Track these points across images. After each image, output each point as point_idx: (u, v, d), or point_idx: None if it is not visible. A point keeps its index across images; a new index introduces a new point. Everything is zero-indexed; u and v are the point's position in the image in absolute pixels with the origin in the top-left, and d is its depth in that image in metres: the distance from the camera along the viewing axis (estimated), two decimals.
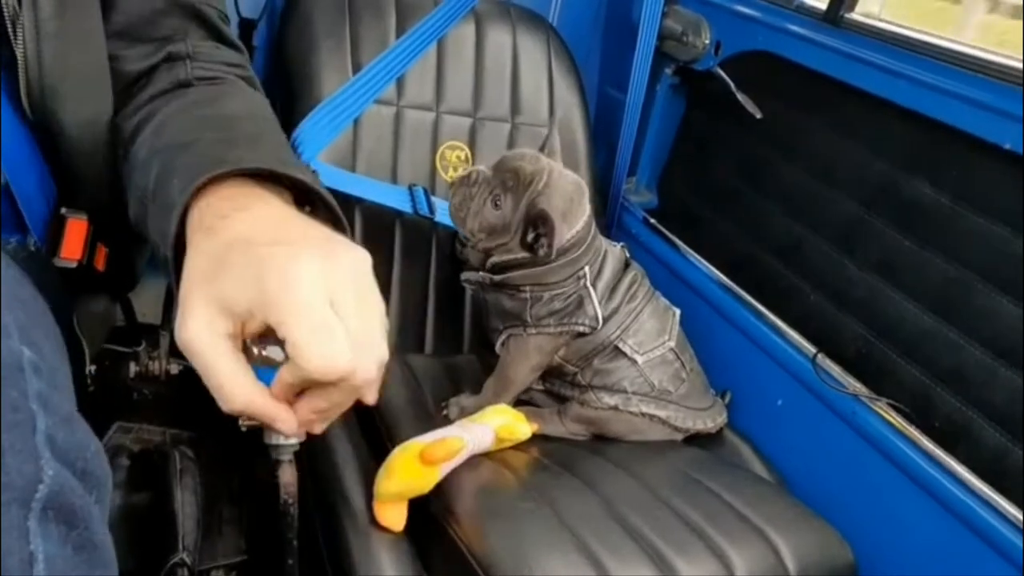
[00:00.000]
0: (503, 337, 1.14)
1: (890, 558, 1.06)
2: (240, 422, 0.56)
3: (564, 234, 1.04)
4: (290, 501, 0.63)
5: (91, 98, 0.71)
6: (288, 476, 0.61)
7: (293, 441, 0.58)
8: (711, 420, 1.20)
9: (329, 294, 0.48)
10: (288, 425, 0.49)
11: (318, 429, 0.52)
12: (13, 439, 0.35)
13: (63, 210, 0.70)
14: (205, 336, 0.49)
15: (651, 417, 1.14)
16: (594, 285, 1.10)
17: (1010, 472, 0.97)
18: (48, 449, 0.36)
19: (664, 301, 1.21)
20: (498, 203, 1.05)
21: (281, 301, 0.47)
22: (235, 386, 0.49)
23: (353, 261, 0.52)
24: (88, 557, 0.37)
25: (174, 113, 0.69)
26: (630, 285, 1.15)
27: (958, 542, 0.99)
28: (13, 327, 0.39)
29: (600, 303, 1.10)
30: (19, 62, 0.65)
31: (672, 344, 1.16)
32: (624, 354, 1.12)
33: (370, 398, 0.53)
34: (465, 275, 1.16)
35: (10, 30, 0.64)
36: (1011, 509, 0.94)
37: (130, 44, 0.73)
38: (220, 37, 0.78)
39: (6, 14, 0.64)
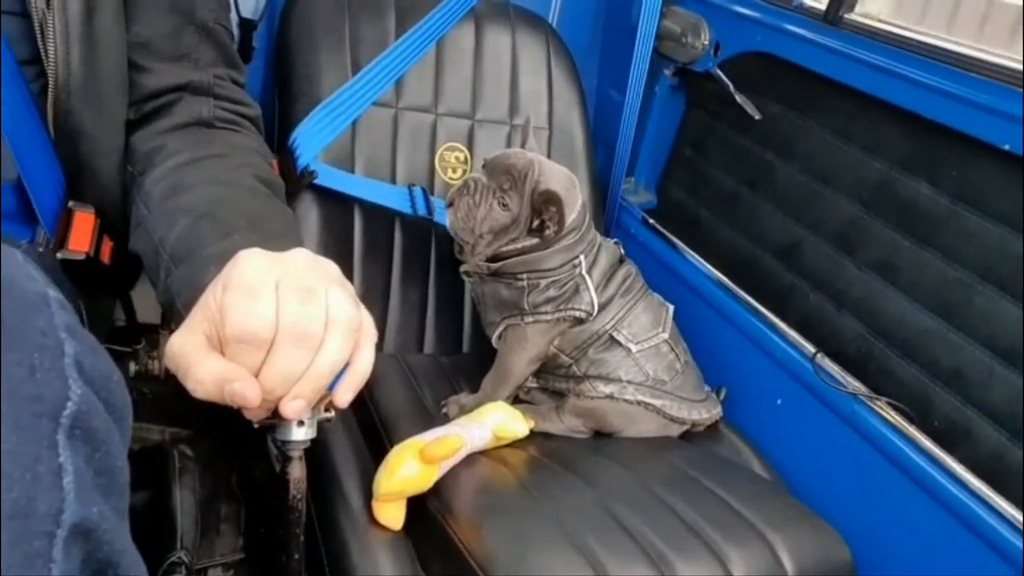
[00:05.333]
0: (500, 329, 1.15)
1: (888, 557, 1.06)
2: (254, 419, 0.57)
3: (570, 213, 1.08)
4: (298, 497, 0.63)
5: (113, 99, 0.75)
6: (298, 472, 0.62)
7: (304, 437, 0.59)
8: (706, 411, 1.21)
9: (275, 279, 0.52)
10: (250, 387, 0.51)
11: (287, 408, 0.52)
12: (43, 358, 0.36)
13: (71, 204, 0.72)
14: (180, 339, 0.53)
15: (646, 406, 1.14)
16: (590, 273, 1.12)
17: (1009, 471, 0.97)
18: (76, 371, 0.38)
19: (658, 298, 1.23)
20: (505, 204, 1.08)
21: (226, 279, 0.52)
22: (200, 362, 0.52)
23: (314, 260, 0.55)
24: (107, 482, 0.38)
25: (201, 174, 0.74)
26: (624, 279, 1.17)
27: (957, 541, 0.99)
28: (38, 274, 0.40)
29: (596, 290, 1.12)
30: (49, 62, 0.68)
31: (666, 336, 1.18)
32: (619, 343, 1.14)
33: (340, 396, 0.55)
34: (464, 267, 1.18)
35: (38, 32, 0.66)
36: (1010, 509, 0.94)
37: (151, 57, 0.77)
38: (227, 56, 0.83)
39: (34, 16, 0.67)
